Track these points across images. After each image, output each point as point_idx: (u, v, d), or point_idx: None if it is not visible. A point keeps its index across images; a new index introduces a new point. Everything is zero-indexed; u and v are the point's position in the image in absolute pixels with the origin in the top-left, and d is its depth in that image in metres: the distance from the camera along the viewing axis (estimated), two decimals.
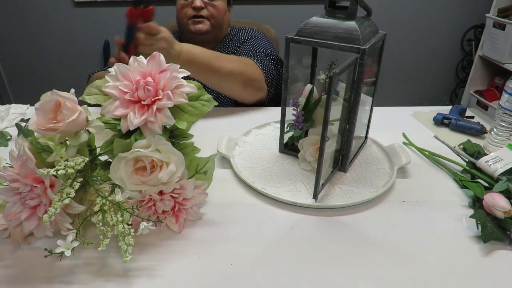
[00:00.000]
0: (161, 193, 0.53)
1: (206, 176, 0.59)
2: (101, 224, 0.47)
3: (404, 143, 0.81)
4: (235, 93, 0.91)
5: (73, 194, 0.46)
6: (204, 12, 0.99)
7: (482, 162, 0.69)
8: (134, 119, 0.50)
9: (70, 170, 0.46)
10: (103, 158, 0.56)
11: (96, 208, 0.47)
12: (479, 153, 0.75)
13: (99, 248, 0.46)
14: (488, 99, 2.03)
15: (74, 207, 0.49)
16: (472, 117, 0.95)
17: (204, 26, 1.00)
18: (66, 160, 0.48)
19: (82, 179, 0.49)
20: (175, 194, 0.53)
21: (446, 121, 0.91)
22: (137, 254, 0.52)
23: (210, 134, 0.84)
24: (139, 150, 0.50)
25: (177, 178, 0.52)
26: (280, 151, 0.77)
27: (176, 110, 0.55)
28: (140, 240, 0.54)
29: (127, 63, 0.53)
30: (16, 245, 0.51)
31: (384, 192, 0.64)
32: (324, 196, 0.63)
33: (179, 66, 0.53)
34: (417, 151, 0.79)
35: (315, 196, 0.61)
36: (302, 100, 0.73)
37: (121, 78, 0.52)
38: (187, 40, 1.07)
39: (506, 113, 0.75)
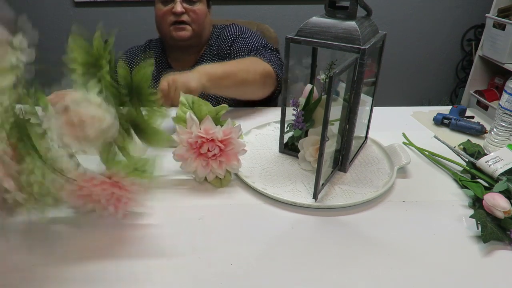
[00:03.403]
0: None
1: (147, 175, 0.55)
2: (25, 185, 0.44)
3: (404, 143, 0.81)
4: (256, 95, 0.93)
5: None
6: (185, 18, 0.98)
7: (482, 162, 0.69)
8: None
9: None
10: None
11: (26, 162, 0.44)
12: (479, 153, 0.75)
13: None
14: (488, 99, 2.03)
15: None
16: (472, 117, 0.95)
17: (186, 32, 0.99)
18: None
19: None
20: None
21: (446, 121, 0.91)
22: (137, 254, 0.52)
23: None
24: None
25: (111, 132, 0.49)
26: (280, 151, 0.77)
27: None
28: (140, 240, 0.54)
29: None
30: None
31: (384, 192, 0.64)
32: (324, 196, 0.63)
33: None
34: (417, 151, 0.79)
35: (315, 196, 0.61)
36: (302, 100, 0.73)
37: None
38: (170, 47, 1.07)
39: (506, 113, 0.75)
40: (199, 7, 1.00)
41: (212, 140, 0.62)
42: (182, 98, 0.68)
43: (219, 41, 1.09)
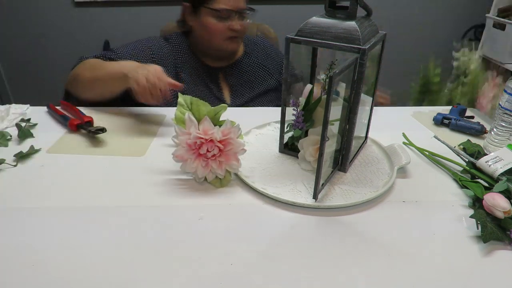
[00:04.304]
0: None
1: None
2: None
3: (404, 143, 0.81)
4: None
5: None
6: (239, 33, 1.07)
7: (482, 162, 0.69)
8: None
9: None
10: None
11: None
12: (479, 153, 0.75)
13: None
14: None
15: None
16: (472, 117, 0.95)
17: (238, 44, 1.10)
18: None
19: None
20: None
21: (446, 121, 0.91)
22: (137, 254, 0.52)
23: None
24: None
25: None
26: (280, 151, 0.77)
27: None
28: (140, 240, 0.54)
29: None
30: None
31: (384, 192, 0.64)
32: (324, 196, 0.63)
33: None
34: (417, 151, 0.79)
35: (315, 196, 0.61)
36: (302, 100, 0.73)
37: None
38: (207, 55, 1.12)
39: (506, 113, 0.75)
40: (246, 21, 1.08)
41: (211, 140, 0.62)
42: (180, 98, 0.68)
43: (255, 51, 1.19)
